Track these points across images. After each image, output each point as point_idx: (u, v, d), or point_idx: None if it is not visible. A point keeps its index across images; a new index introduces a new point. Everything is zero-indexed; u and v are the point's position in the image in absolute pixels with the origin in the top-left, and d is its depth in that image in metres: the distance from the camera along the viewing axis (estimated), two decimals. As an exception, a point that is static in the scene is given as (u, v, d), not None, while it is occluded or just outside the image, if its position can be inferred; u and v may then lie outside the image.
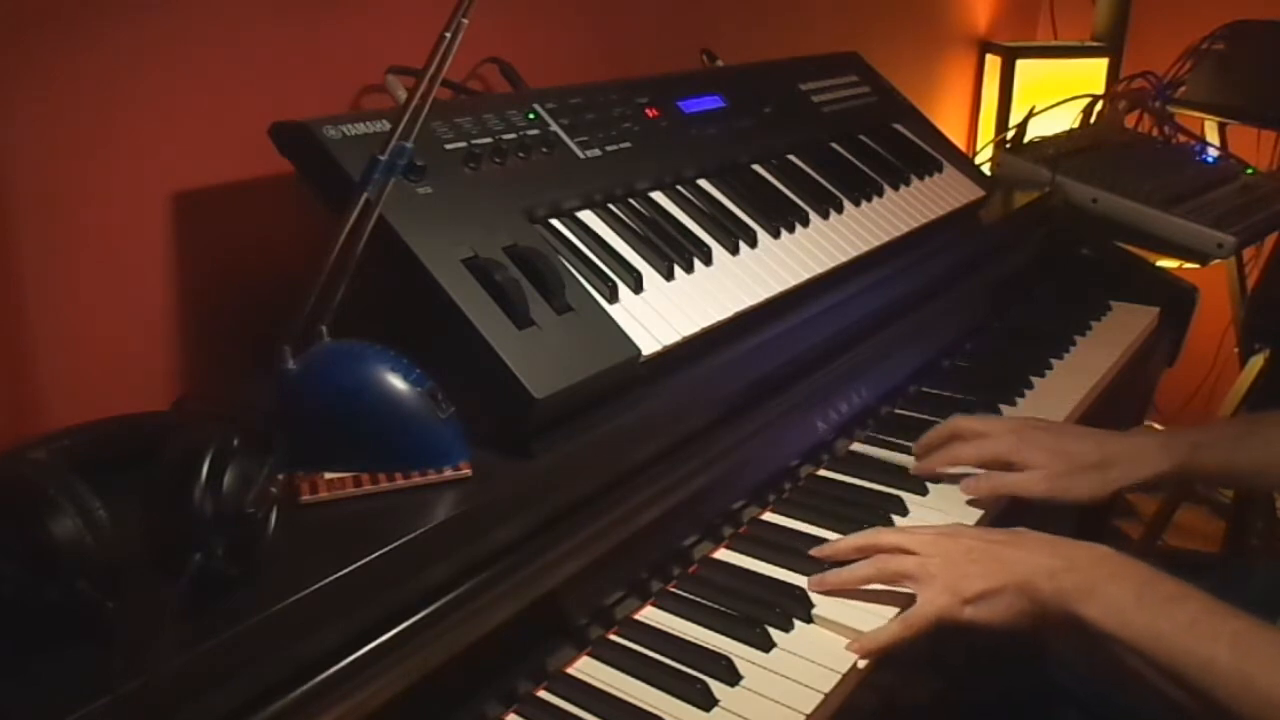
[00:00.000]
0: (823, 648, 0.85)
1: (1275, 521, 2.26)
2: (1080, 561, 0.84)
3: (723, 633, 0.87)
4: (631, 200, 1.08)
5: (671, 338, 0.95)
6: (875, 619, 0.88)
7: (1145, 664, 0.78)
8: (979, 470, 1.07)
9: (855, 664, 0.84)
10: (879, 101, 1.54)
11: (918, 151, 1.48)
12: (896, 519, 1.03)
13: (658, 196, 1.11)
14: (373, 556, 0.70)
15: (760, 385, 1.04)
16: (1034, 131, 1.88)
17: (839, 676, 0.82)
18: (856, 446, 1.18)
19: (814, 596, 0.91)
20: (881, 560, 0.90)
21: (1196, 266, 1.73)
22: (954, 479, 1.08)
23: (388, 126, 0.81)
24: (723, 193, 1.16)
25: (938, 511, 1.04)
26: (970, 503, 1.06)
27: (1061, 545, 0.87)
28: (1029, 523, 0.94)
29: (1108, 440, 1.08)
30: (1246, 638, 0.76)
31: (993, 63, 2.35)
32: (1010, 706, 1.06)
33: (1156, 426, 1.90)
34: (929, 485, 1.08)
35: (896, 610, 0.89)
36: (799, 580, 0.93)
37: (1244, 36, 1.98)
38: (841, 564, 0.93)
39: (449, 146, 0.95)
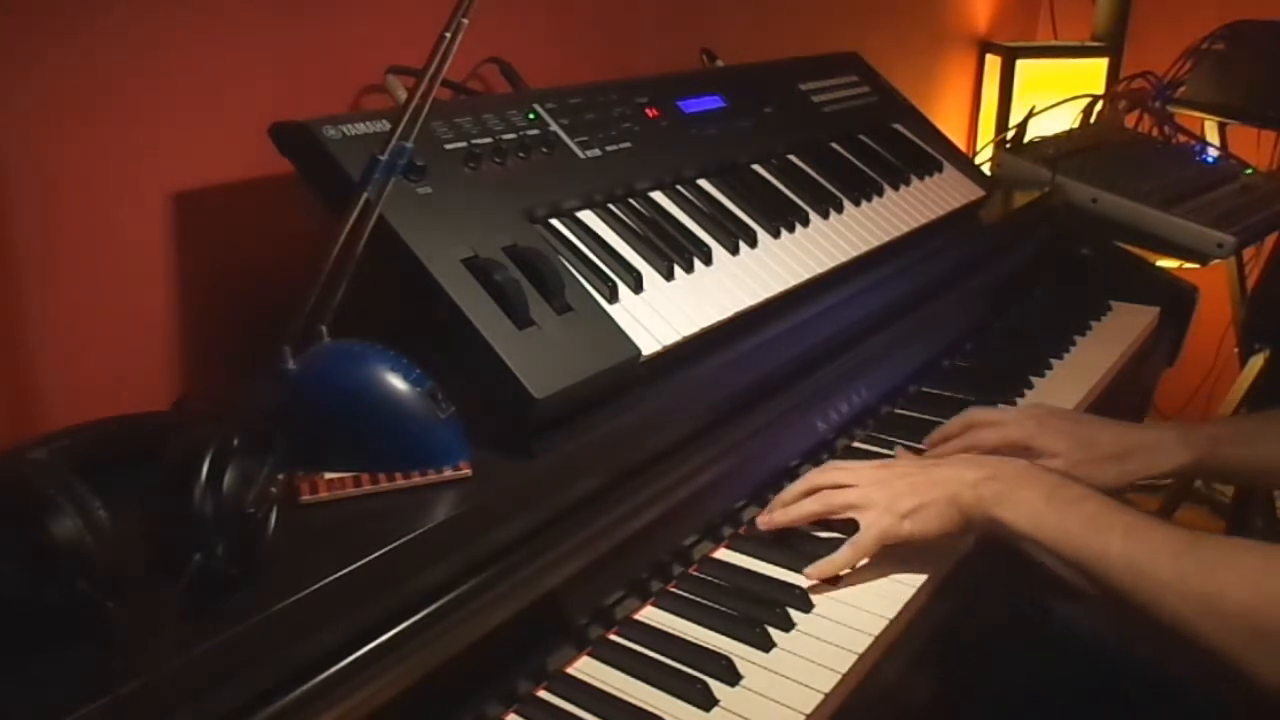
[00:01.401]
0: (823, 647, 0.85)
1: (1275, 521, 2.26)
2: (1000, 472, 0.92)
3: (723, 633, 0.87)
4: (631, 200, 1.08)
5: (671, 338, 0.95)
6: (874, 618, 0.88)
7: (1056, 560, 0.87)
8: None
9: (855, 664, 0.84)
10: (879, 101, 1.54)
11: (918, 151, 1.48)
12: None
13: (658, 196, 1.11)
14: (373, 556, 0.70)
15: (760, 385, 1.04)
16: (1034, 131, 1.88)
17: (839, 676, 0.82)
18: (856, 446, 1.18)
19: (814, 597, 0.91)
20: (825, 495, 0.97)
21: (1196, 266, 1.73)
22: None
23: (388, 126, 0.81)
24: (723, 193, 1.16)
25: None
26: None
27: (985, 460, 0.96)
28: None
29: (1127, 431, 1.10)
30: (1136, 529, 0.84)
31: (993, 63, 2.35)
32: (1009, 704, 1.06)
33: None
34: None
35: (896, 609, 0.89)
36: (799, 580, 0.93)
37: (1244, 36, 1.98)
38: None
39: (449, 146, 0.95)
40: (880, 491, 0.94)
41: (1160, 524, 0.85)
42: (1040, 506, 0.88)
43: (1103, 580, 0.84)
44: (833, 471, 0.99)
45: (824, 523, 0.98)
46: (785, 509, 0.98)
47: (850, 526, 0.94)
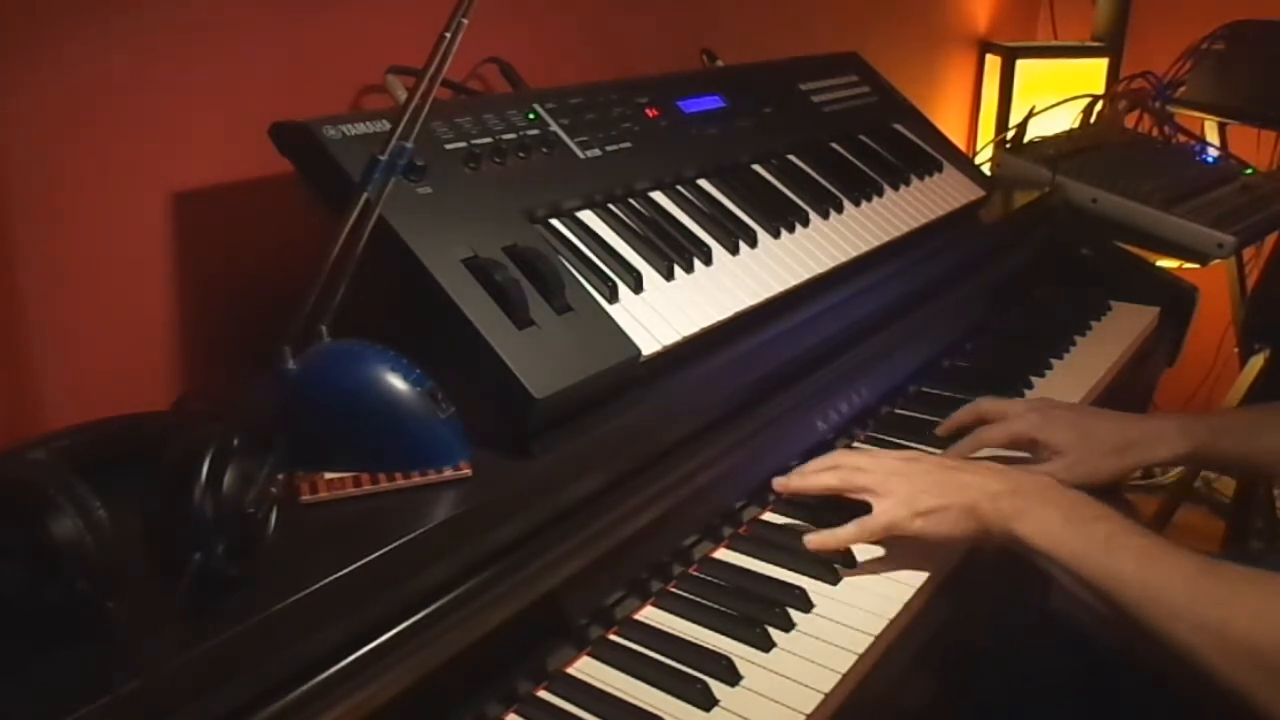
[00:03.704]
0: (823, 647, 0.85)
1: (1276, 521, 2.26)
2: (1022, 486, 0.92)
3: (723, 633, 0.87)
4: (631, 200, 1.08)
5: (671, 338, 0.95)
6: (874, 618, 0.88)
7: (1071, 578, 0.87)
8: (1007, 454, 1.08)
9: (855, 664, 0.84)
10: (879, 101, 1.54)
11: (918, 151, 1.48)
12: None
13: (658, 196, 1.11)
14: (373, 556, 0.70)
15: (760, 385, 1.04)
16: (1034, 131, 1.88)
17: (839, 676, 0.82)
18: (857, 446, 1.18)
19: (814, 597, 0.91)
20: (846, 473, 0.98)
21: (1196, 266, 1.73)
22: None
23: (388, 126, 0.81)
24: (723, 193, 1.16)
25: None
26: None
27: (1009, 472, 0.95)
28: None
29: (1127, 423, 1.11)
30: (1151, 552, 0.84)
31: (993, 63, 2.35)
32: (1008, 704, 1.06)
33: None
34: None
35: (896, 609, 0.89)
36: (799, 580, 0.93)
37: (1244, 36, 1.98)
38: None
39: (449, 146, 0.95)
40: (901, 484, 0.95)
41: (1176, 550, 0.84)
42: (1058, 525, 0.88)
43: (1115, 602, 0.84)
44: (857, 455, 1.01)
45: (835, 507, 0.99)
46: (803, 476, 1.00)
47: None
